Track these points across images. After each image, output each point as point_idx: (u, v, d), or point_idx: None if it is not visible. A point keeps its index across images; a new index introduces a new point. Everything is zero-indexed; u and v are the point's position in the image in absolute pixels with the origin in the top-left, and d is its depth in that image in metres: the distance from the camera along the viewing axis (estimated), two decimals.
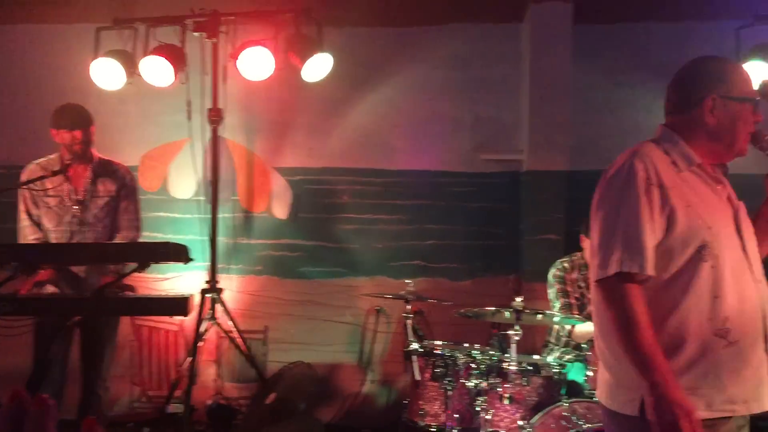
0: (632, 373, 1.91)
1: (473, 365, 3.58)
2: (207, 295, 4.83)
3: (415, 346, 3.82)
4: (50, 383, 3.82)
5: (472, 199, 5.38)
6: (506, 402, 3.56)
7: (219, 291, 4.91)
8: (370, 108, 5.45)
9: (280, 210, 5.54)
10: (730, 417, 1.97)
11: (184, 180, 5.45)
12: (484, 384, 3.46)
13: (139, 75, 4.93)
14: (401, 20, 5.41)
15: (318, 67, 4.95)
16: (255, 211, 5.54)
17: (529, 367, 3.58)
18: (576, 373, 3.68)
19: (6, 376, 3.98)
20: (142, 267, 3.20)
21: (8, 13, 5.41)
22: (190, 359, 4.66)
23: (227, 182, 5.42)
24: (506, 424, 3.58)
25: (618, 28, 5.30)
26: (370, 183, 5.45)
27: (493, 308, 3.62)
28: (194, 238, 5.12)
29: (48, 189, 3.87)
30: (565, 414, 3.32)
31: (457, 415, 3.71)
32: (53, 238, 3.91)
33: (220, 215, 5.16)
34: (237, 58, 4.87)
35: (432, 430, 3.81)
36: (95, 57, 4.95)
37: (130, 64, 4.95)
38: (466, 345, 3.91)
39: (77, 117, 3.88)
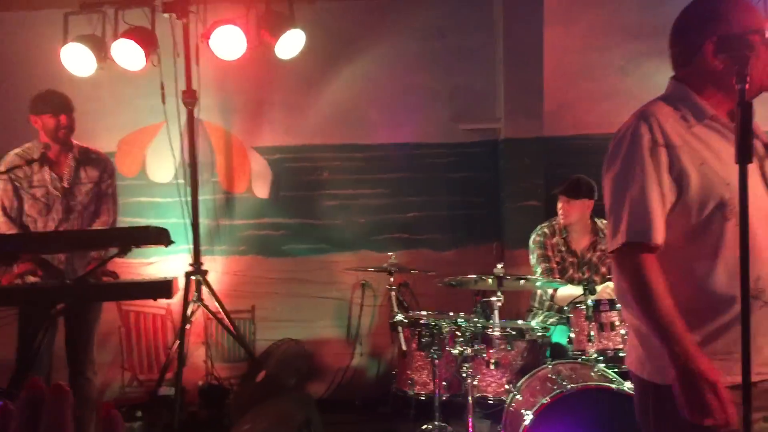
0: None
1: (458, 333, 3.63)
2: (192, 278, 4.83)
3: (400, 317, 3.85)
4: (37, 372, 3.81)
5: (452, 169, 5.39)
6: (492, 367, 3.63)
7: (204, 273, 4.91)
8: (346, 83, 5.43)
9: (261, 189, 5.53)
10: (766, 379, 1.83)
11: (163, 164, 5.41)
12: (469, 351, 3.50)
13: (111, 59, 4.88)
14: None
15: (291, 43, 4.91)
16: (236, 192, 5.53)
17: (513, 332, 3.63)
18: (559, 336, 3.73)
19: None
20: (123, 252, 3.19)
21: None
22: (178, 342, 4.68)
23: (206, 164, 5.40)
24: (493, 388, 3.65)
25: None
26: (349, 158, 5.45)
27: (475, 276, 3.65)
28: (176, 222, 5.10)
29: (32, 178, 3.84)
30: (550, 375, 3.37)
31: (445, 383, 3.78)
32: (41, 227, 3.87)
33: (201, 197, 5.12)
34: (209, 38, 4.82)
35: (422, 398, 3.88)
36: (65, 43, 4.89)
37: (100, 48, 4.89)
38: (452, 314, 3.95)
39: (61, 102, 3.84)
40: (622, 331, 3.43)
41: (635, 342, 2.01)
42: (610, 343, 3.44)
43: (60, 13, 4.97)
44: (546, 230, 4.27)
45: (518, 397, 3.42)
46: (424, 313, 4.04)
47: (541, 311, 4.25)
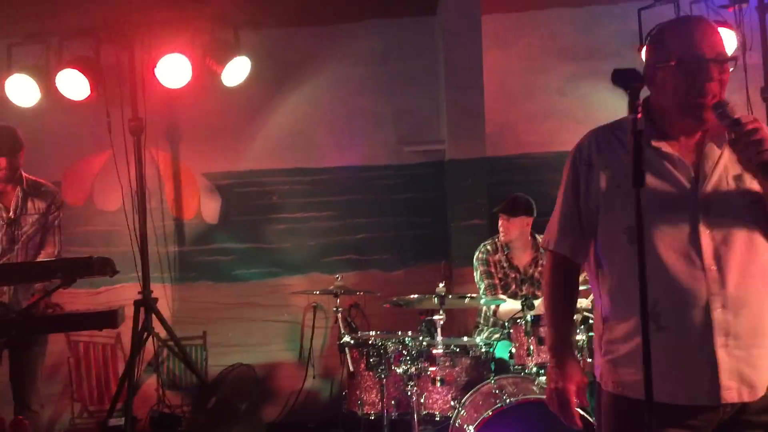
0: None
1: (404, 352, 3.69)
2: (141, 306, 4.83)
3: (347, 338, 3.91)
4: None
5: (399, 190, 5.50)
6: (438, 384, 3.70)
7: (153, 301, 4.91)
8: (292, 108, 5.51)
9: (211, 215, 5.56)
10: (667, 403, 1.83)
11: (110, 192, 5.39)
12: (413, 369, 3.57)
13: (56, 89, 4.89)
14: (318, 19, 5.46)
15: (237, 70, 5.00)
16: (185, 218, 5.55)
17: (456, 349, 3.72)
18: (502, 351, 3.83)
19: None
20: (67, 283, 3.21)
21: None
22: (129, 371, 4.66)
23: (154, 191, 5.41)
24: (440, 405, 3.72)
25: (527, 15, 5.46)
26: (298, 182, 5.51)
27: (417, 295, 3.74)
28: (125, 249, 5.08)
29: None
30: (493, 390, 3.46)
31: (394, 402, 3.83)
32: None
33: (150, 225, 5.14)
34: (155, 67, 4.88)
35: (371, 418, 3.93)
36: (8, 73, 4.89)
37: (44, 78, 4.90)
38: (399, 333, 4.02)
39: (6, 144, 3.80)
40: None
41: None
42: (548, 356, 3.53)
43: (3, 44, 4.98)
44: (488, 247, 4.38)
45: (462, 412, 3.50)
46: (371, 333, 4.11)
47: (486, 327, 4.35)
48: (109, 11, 4.95)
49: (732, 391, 1.84)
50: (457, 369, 3.71)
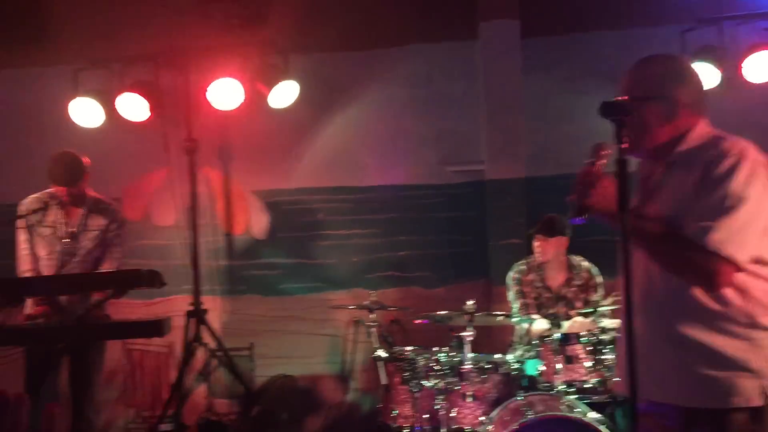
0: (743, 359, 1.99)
1: (435, 367, 3.81)
2: (192, 317, 5.07)
3: (380, 353, 4.05)
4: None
5: (440, 209, 5.63)
6: (468, 399, 3.80)
7: (203, 312, 5.15)
8: (338, 129, 5.71)
9: (259, 231, 5.79)
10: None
11: (166, 208, 5.70)
12: (442, 384, 3.68)
13: (117, 112, 5.21)
14: (364, 44, 5.68)
15: (285, 93, 5.23)
16: (235, 234, 5.80)
17: (487, 366, 3.82)
18: (531, 368, 3.90)
19: None
20: (120, 293, 3.46)
21: None
22: (180, 379, 4.90)
23: (206, 208, 5.69)
24: (469, 420, 3.82)
25: (568, 38, 5.55)
26: (342, 200, 5.70)
27: (446, 312, 3.86)
28: (179, 263, 5.36)
29: (43, 220, 4.13)
30: (521, 407, 3.54)
31: (426, 415, 3.94)
32: (44, 265, 4.16)
33: (202, 239, 5.41)
34: (208, 90, 5.15)
35: (405, 431, 4.05)
36: (74, 96, 5.23)
37: (107, 101, 5.24)
38: (434, 348, 4.12)
39: (67, 175, 4.09)
40: (587, 364, 3.60)
41: (700, 373, 2.05)
42: (576, 375, 3.61)
43: (70, 69, 5.33)
44: (523, 268, 4.47)
45: (490, 428, 3.59)
46: (408, 348, 4.22)
47: (520, 345, 4.42)
48: (167, 38, 5.27)
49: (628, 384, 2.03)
50: (487, 385, 3.80)
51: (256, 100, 5.28)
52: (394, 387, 4.05)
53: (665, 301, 2.09)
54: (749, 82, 4.99)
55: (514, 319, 4.17)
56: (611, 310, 3.85)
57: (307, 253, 5.73)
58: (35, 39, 5.63)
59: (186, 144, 5.36)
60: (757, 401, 1.97)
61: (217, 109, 5.25)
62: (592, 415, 3.38)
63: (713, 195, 1.99)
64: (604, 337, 3.67)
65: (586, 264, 4.46)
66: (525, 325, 4.31)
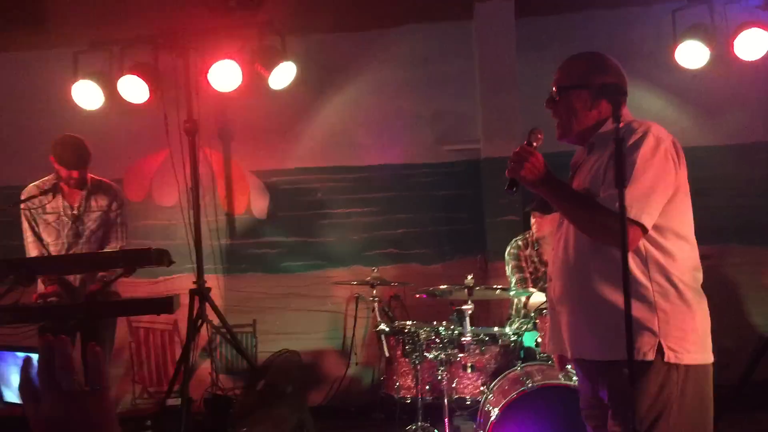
0: (644, 318, 2.19)
1: (436, 340, 3.95)
2: (196, 295, 5.18)
3: (383, 326, 4.18)
4: None
5: (437, 187, 5.74)
6: (469, 370, 3.95)
7: (207, 290, 5.25)
8: (336, 109, 5.80)
9: (260, 210, 5.90)
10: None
11: (167, 188, 5.79)
12: (443, 356, 3.82)
13: (118, 93, 5.27)
14: (360, 24, 5.75)
15: (284, 75, 5.29)
16: (236, 213, 5.91)
17: (486, 338, 3.96)
18: (531, 340, 4.05)
19: None
20: (129, 272, 3.56)
21: None
22: (185, 355, 5.02)
23: (208, 188, 5.78)
24: (470, 390, 3.97)
25: (561, 18, 5.64)
26: (341, 179, 5.81)
27: (447, 286, 3.99)
28: (181, 242, 5.46)
29: (45, 206, 4.22)
30: (519, 377, 3.69)
31: (428, 386, 4.08)
32: (53, 250, 4.25)
33: (203, 219, 5.51)
34: (207, 72, 5.21)
35: (407, 401, 4.20)
36: (74, 79, 5.29)
37: (107, 84, 5.29)
38: (435, 323, 4.26)
39: (76, 158, 4.16)
40: None
41: (600, 328, 2.29)
42: None
43: (70, 52, 5.38)
44: (520, 243, 4.59)
45: (491, 397, 3.73)
46: (408, 322, 4.36)
47: (518, 318, 4.56)
48: (166, 21, 5.31)
49: (554, 344, 2.53)
50: (486, 356, 3.95)
51: (254, 81, 5.34)
52: (396, 360, 4.18)
53: (576, 266, 2.34)
54: (739, 60, 5.10)
55: (511, 293, 4.31)
56: None
57: (307, 231, 5.85)
58: (34, 22, 5.65)
59: (186, 125, 5.42)
60: (651, 356, 2.19)
61: (217, 91, 5.31)
62: None
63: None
64: None
65: None
66: (522, 299, 4.45)
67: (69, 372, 0.96)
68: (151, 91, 5.25)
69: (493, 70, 5.41)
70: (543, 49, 5.56)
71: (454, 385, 3.96)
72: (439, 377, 3.84)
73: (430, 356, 3.87)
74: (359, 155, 5.80)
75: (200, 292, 5.22)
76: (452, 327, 3.98)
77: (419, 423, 4.05)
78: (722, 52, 5.12)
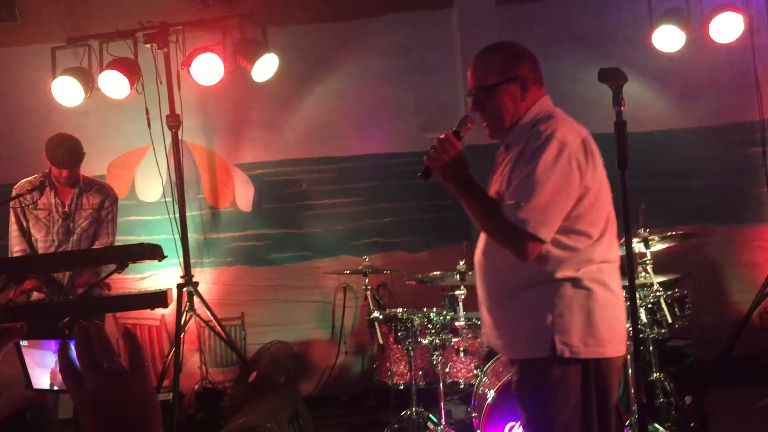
0: (540, 316, 2.24)
1: (429, 325, 4.00)
2: (184, 289, 5.18)
3: (376, 314, 4.22)
4: None
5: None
6: (462, 355, 4.00)
7: (195, 284, 5.26)
8: (318, 100, 5.81)
9: (245, 203, 5.90)
10: None
11: (151, 184, 5.77)
12: (437, 340, 3.87)
13: (98, 89, 5.23)
14: (340, 15, 5.76)
15: (266, 66, 5.28)
16: (221, 207, 5.90)
17: (478, 322, 4.01)
18: None
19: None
20: (121, 268, 3.54)
21: None
22: (173, 350, 5.03)
23: (192, 182, 5.76)
24: (464, 374, 4.03)
25: (541, 4, 5.70)
26: (325, 170, 5.83)
27: (439, 272, 4.04)
28: (166, 237, 5.42)
29: (37, 202, 4.19)
30: None
31: (421, 372, 4.14)
32: (41, 247, 4.23)
33: (188, 213, 5.49)
34: (189, 66, 5.19)
35: (400, 387, 4.25)
36: (53, 76, 5.23)
37: (87, 79, 5.23)
38: (425, 309, 4.31)
39: (66, 158, 4.14)
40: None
41: (512, 332, 2.35)
42: None
43: (48, 48, 5.32)
44: None
45: (485, 379, 3.79)
46: (399, 309, 4.40)
47: None
48: (144, 14, 5.27)
49: (486, 336, 2.50)
50: (479, 340, 4.00)
51: (237, 74, 5.33)
52: (389, 347, 4.23)
53: (486, 266, 2.39)
54: (714, 43, 5.21)
55: None
56: None
57: (293, 223, 5.86)
58: (10, 18, 5.58)
59: (168, 119, 5.40)
60: (545, 353, 2.20)
61: (199, 84, 5.29)
62: None
63: (521, 174, 2.21)
64: None
65: None
66: None
67: (110, 352, 1.00)
68: (131, 85, 5.21)
69: None
70: (524, 35, 5.61)
71: (447, 370, 4.01)
72: (434, 362, 3.89)
73: (425, 341, 3.92)
74: (343, 145, 5.82)
75: (189, 286, 5.22)
76: (444, 312, 4.03)
77: (413, 408, 4.10)
78: (698, 36, 5.23)
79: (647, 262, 3.84)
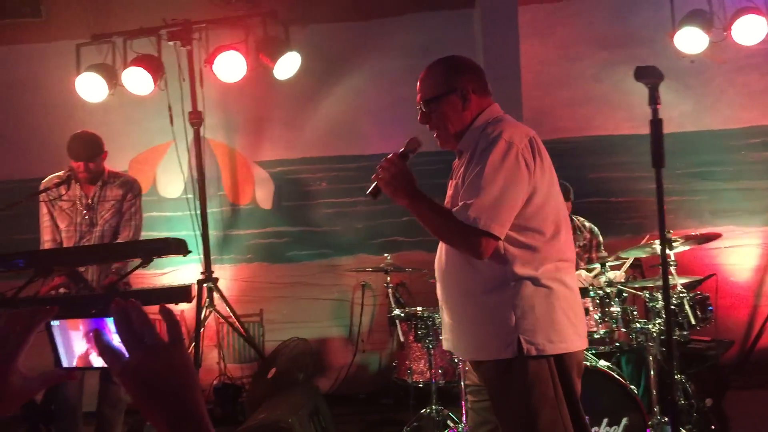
0: (503, 316, 2.27)
1: None
2: (204, 285, 5.22)
3: (397, 312, 4.24)
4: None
5: (441, 175, 5.68)
6: None
7: (215, 280, 5.30)
8: (339, 99, 5.83)
9: (265, 200, 5.93)
10: None
11: (172, 180, 5.81)
12: None
13: (121, 85, 5.28)
14: (362, 14, 5.78)
15: (288, 65, 5.33)
16: (241, 204, 5.93)
17: None
18: None
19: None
20: (146, 262, 3.58)
21: None
22: (193, 345, 5.06)
23: (212, 179, 5.80)
24: None
25: (563, 5, 5.70)
26: (345, 168, 5.84)
27: None
28: (187, 234, 5.46)
29: (62, 195, 4.25)
30: None
31: (441, 370, 4.15)
32: (65, 237, 4.29)
33: (209, 210, 5.53)
34: (212, 63, 5.23)
35: (419, 386, 4.26)
36: (77, 72, 5.29)
37: (111, 76, 5.29)
38: None
39: (82, 150, 4.18)
40: (596, 316, 3.82)
41: (470, 333, 2.38)
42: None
43: (72, 44, 5.38)
44: None
45: None
46: (420, 308, 4.42)
47: None
48: (168, 12, 5.31)
49: (447, 341, 2.50)
50: None
51: (259, 72, 5.37)
52: (409, 344, 4.24)
53: (447, 269, 2.43)
54: (736, 46, 5.19)
55: None
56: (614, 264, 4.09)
57: (313, 221, 5.88)
58: (35, 15, 5.64)
59: (191, 116, 5.45)
60: (510, 353, 2.23)
61: (221, 82, 5.33)
62: (603, 363, 3.61)
63: (472, 175, 2.29)
64: (610, 290, 3.88)
65: (588, 225, 4.67)
66: None
67: (150, 327, 1.03)
68: (155, 82, 5.26)
69: (496, 58, 5.45)
70: (545, 35, 5.63)
71: (467, 368, 4.01)
72: (456, 360, 3.90)
73: None
74: (363, 144, 5.83)
75: (209, 282, 5.26)
76: None
77: (433, 406, 4.11)
78: (720, 38, 5.21)
79: (670, 263, 3.83)
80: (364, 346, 5.76)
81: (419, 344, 4.18)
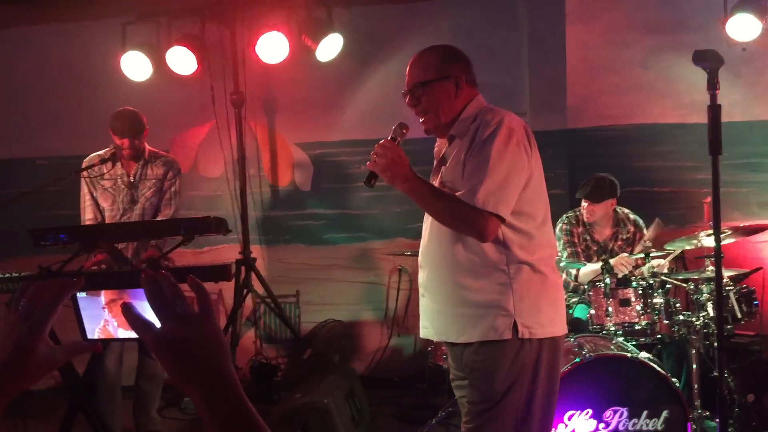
0: (500, 299, 2.32)
1: None
2: (242, 265, 5.26)
3: None
4: (110, 352, 4.27)
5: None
6: None
7: (252, 261, 5.35)
8: (380, 82, 5.79)
9: (304, 182, 5.94)
10: None
11: (213, 159, 5.85)
12: None
13: (165, 64, 5.32)
14: None
15: (330, 47, 5.31)
16: (280, 185, 5.95)
17: None
18: (580, 312, 4.07)
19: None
20: (188, 240, 3.62)
21: (41, 14, 5.77)
22: (232, 324, 5.12)
23: (252, 159, 5.83)
24: None
25: None
26: None
27: None
28: (226, 213, 5.53)
29: (104, 174, 4.32)
30: (573, 348, 3.71)
31: None
32: (108, 216, 4.36)
33: (248, 190, 5.57)
34: (254, 44, 5.24)
35: None
36: (123, 50, 5.34)
37: (155, 55, 5.34)
38: None
39: (127, 127, 4.24)
40: (638, 307, 3.75)
41: (459, 313, 2.41)
42: (627, 318, 3.77)
43: (118, 23, 5.43)
44: (572, 219, 4.58)
45: None
46: None
47: (565, 292, 4.57)
48: None
49: (426, 330, 2.55)
50: None
51: (301, 53, 5.36)
52: None
53: (439, 254, 2.46)
54: None
55: (561, 263, 4.31)
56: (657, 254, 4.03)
57: (350, 203, 5.88)
58: None
59: (233, 97, 5.48)
60: (507, 335, 2.30)
61: (264, 63, 5.34)
62: (644, 355, 3.55)
63: (477, 159, 2.33)
64: (653, 281, 3.81)
65: (633, 216, 4.58)
66: (573, 272, 4.46)
67: (181, 298, 1.05)
68: (198, 62, 5.29)
69: (541, 41, 5.37)
70: (591, 19, 5.51)
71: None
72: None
73: None
74: None
75: (246, 263, 5.31)
76: None
77: None
78: None
79: None
80: (399, 330, 5.75)
81: None
